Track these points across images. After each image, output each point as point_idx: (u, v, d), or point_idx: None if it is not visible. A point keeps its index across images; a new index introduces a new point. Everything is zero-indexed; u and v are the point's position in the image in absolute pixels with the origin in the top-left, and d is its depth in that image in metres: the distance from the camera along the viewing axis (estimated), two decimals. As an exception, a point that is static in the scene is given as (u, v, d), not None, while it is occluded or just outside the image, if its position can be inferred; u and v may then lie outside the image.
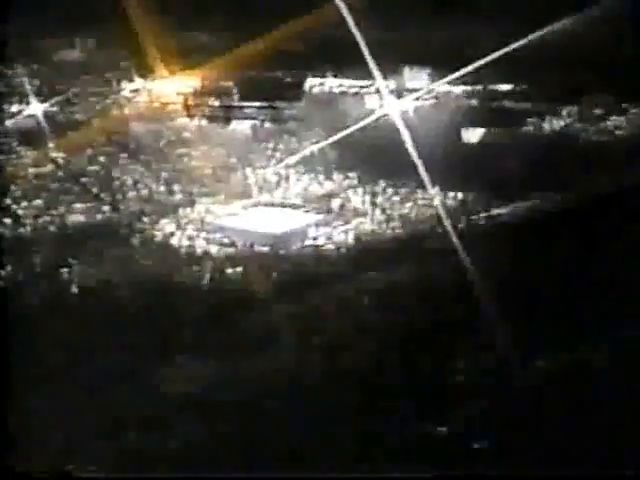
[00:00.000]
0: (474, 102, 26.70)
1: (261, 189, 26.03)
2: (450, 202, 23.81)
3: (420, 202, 24.00)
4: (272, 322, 18.16)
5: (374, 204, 24.55)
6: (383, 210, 24.16)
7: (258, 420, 14.90)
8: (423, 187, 23.28)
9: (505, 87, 26.68)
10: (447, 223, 21.80)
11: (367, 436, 14.49)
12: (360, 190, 25.35)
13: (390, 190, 24.87)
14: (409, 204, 24.05)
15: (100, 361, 16.62)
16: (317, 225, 23.54)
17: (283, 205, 25.23)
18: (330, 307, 18.88)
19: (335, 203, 24.91)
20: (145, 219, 23.81)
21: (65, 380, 16.04)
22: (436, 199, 23.57)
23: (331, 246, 22.39)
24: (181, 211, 24.39)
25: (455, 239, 20.68)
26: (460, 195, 23.98)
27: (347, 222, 23.60)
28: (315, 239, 22.78)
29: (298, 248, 22.33)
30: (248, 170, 26.68)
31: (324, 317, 18.48)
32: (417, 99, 25.91)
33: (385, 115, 24.30)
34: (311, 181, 26.42)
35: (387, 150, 23.38)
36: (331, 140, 25.36)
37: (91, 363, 16.51)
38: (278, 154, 27.46)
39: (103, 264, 21.05)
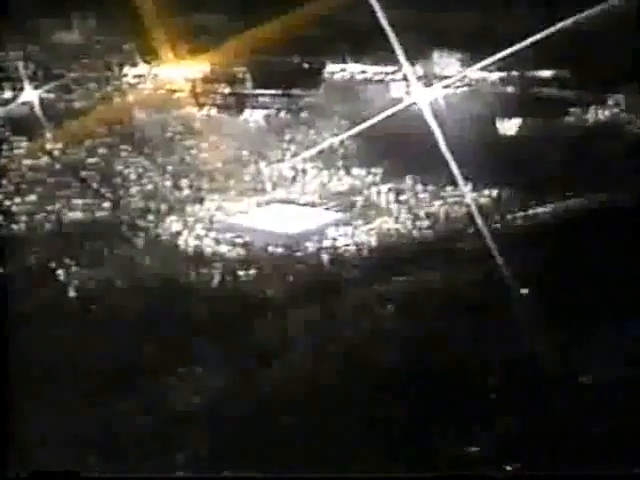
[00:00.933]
0: (511, 90, 26.44)
1: (276, 185, 25.95)
2: (484, 200, 23.64)
3: (450, 200, 23.83)
4: (287, 330, 18.28)
5: (399, 202, 24.38)
6: (409, 209, 23.98)
7: (270, 436, 15.01)
8: (454, 183, 23.17)
9: (545, 73, 26.39)
10: (480, 223, 21.67)
11: (388, 455, 14.56)
12: (384, 187, 25.17)
13: (417, 187, 24.68)
14: (438, 202, 23.89)
15: (99, 371, 16.61)
16: (337, 224, 23.42)
17: (299, 202, 25.15)
18: (350, 314, 18.79)
19: (357, 201, 24.76)
20: (149, 217, 23.74)
21: (60, 392, 16.13)
22: (468, 197, 23.37)
23: (352, 247, 22.26)
24: (189, 208, 24.31)
25: (489, 241, 20.55)
26: (495, 192, 23.82)
27: (369, 221, 23.48)
28: (334, 240, 22.63)
29: (316, 249, 22.21)
30: (262, 164, 26.55)
31: (343, 325, 18.41)
32: (447, 86, 25.77)
33: (412, 104, 24.07)
34: (330, 177, 26.28)
35: (414, 143, 23.23)
36: (352, 132, 25.24)
37: (89, 373, 16.50)
38: (294, 147, 27.30)
39: (103, 266, 21.01)
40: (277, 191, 25.70)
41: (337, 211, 24.47)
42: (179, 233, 23.09)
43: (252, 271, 20.94)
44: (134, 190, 24.91)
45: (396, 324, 18.45)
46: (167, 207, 24.36)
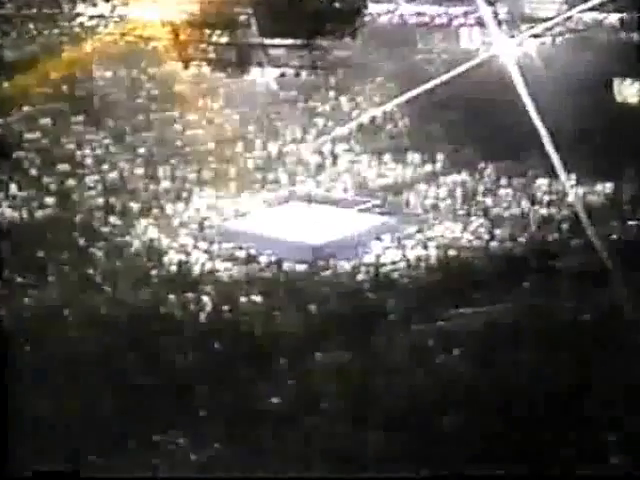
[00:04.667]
0: (635, 38, 26.33)
1: (294, 175, 26.25)
2: (594, 199, 23.75)
3: (545, 198, 23.94)
4: (307, 384, 17.78)
5: (471, 201, 24.45)
6: (485, 210, 24.00)
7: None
8: (551, 174, 23.37)
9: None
10: (590, 231, 21.59)
11: None
12: (449, 179, 25.41)
13: (497, 179, 24.84)
14: (527, 202, 23.93)
15: (38, 441, 15.91)
16: (380, 232, 23.42)
17: (327, 201, 25.27)
18: (398, 362, 18.27)
19: (409, 199, 24.92)
20: (112, 219, 23.77)
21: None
22: (572, 194, 23.55)
23: (402, 266, 22.02)
24: (170, 207, 24.53)
25: (603, 256, 20.47)
26: (610, 187, 23.93)
27: (427, 229, 23.44)
28: (377, 255, 22.48)
29: (350, 268, 21.98)
30: (274, 145, 26.93)
31: (388, 378, 17.77)
32: (542, 34, 26.02)
33: (491, 59, 24.38)
34: (371, 164, 26.56)
35: (493, 115, 23.60)
36: (404, 99, 25.47)
37: (22, 443, 15.47)
38: (321, 121, 27.90)
39: (45, 289, 20.90)
40: (295, 184, 25.88)
41: (381, 213, 24.50)
42: (155, 242, 23.04)
43: (258, 298, 20.58)
44: (91, 180, 24.99)
45: (465, 376, 17.89)
46: (138, 205, 24.43)
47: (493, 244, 22.61)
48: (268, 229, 23.55)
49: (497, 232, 23.00)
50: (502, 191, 24.46)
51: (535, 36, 25.57)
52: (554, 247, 22.13)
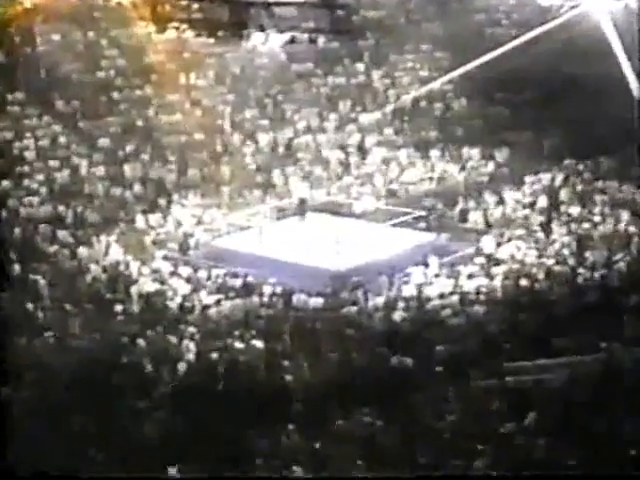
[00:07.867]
0: None
1: (308, 178, 26.53)
2: None
3: None
4: (323, 457, 17.50)
5: (551, 212, 24.50)
6: (571, 225, 23.99)
7: None
8: None
9: None
10: None
11: None
12: (521, 181, 25.59)
13: (588, 182, 25.06)
14: (627, 214, 23.96)
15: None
16: (424, 254, 23.32)
17: (352, 212, 25.52)
18: (448, 429, 17.92)
19: (465, 210, 25.07)
20: (63, 235, 23.81)
21: None
22: None
23: (454, 301, 21.69)
24: (140, 218, 24.67)
25: None
26: None
27: (491, 251, 23.32)
28: (419, 285, 22.20)
29: (382, 303, 21.72)
30: (280, 136, 27.23)
31: (435, 450, 17.49)
32: None
33: (580, 18, 24.53)
34: (412, 162, 26.87)
35: (582, 95, 23.83)
36: (458, 73, 25.99)
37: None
38: (343, 104, 28.17)
39: None
40: (310, 190, 26.08)
41: (426, 229, 24.76)
42: (122, 268, 23.01)
43: (259, 343, 20.23)
44: (34, 181, 25.30)
45: (543, 451, 17.48)
46: (99, 216, 24.66)
47: (581, 272, 22.32)
48: (273, 249, 23.64)
49: (588, 256, 22.81)
50: (598, 197, 24.58)
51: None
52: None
